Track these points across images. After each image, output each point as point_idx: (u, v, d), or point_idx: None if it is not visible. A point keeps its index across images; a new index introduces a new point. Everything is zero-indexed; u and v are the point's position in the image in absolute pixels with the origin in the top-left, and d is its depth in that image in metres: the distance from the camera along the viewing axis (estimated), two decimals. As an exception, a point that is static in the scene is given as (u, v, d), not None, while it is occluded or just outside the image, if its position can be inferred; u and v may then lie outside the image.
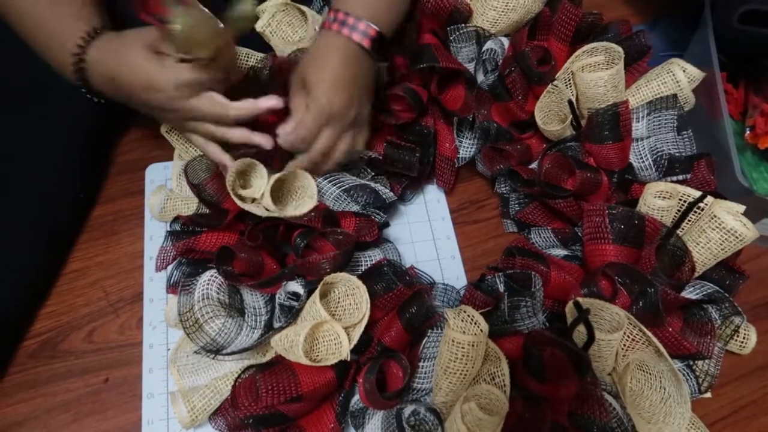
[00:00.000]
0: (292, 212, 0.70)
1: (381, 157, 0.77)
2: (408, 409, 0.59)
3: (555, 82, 0.75)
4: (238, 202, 0.68)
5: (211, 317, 0.65)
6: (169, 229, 0.74)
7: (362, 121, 0.71)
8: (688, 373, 0.64)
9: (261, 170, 0.70)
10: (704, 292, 0.66)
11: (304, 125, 0.67)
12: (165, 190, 0.78)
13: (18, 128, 0.76)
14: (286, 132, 0.68)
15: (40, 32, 0.65)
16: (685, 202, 0.66)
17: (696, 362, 0.64)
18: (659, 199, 0.66)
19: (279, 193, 0.72)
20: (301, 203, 0.72)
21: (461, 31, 0.79)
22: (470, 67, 0.81)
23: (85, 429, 0.70)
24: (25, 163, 0.75)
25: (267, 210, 0.69)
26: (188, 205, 0.75)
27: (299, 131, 0.67)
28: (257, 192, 0.69)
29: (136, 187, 0.86)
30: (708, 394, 0.69)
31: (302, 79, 0.67)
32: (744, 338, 0.70)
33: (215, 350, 0.64)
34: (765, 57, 0.85)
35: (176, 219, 0.73)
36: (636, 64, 0.76)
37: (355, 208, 0.74)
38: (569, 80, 0.75)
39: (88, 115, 0.79)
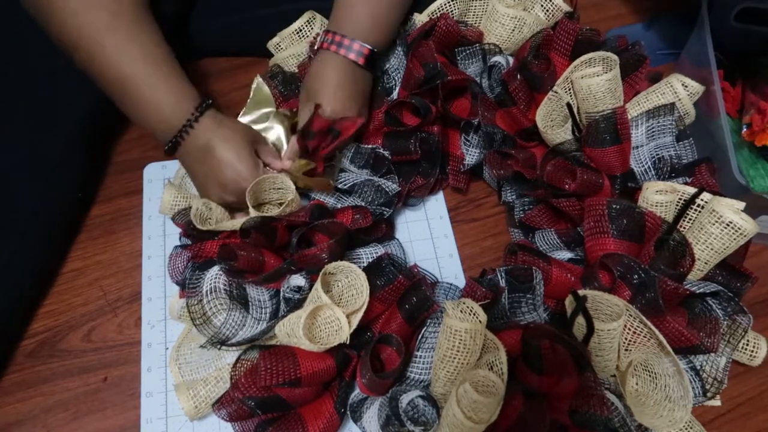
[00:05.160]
0: (281, 210, 0.71)
1: (386, 153, 0.80)
2: (405, 398, 0.60)
3: (555, 89, 0.75)
4: (216, 227, 0.71)
5: (219, 310, 0.66)
6: (178, 243, 0.75)
7: None
8: (693, 377, 0.64)
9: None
10: (708, 290, 0.66)
11: (304, 121, 0.74)
12: (175, 188, 0.79)
13: (15, 128, 0.76)
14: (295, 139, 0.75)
15: (140, 103, 0.70)
16: (683, 200, 0.67)
17: (703, 367, 0.64)
18: (658, 195, 0.66)
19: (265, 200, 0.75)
20: (282, 200, 0.74)
21: (468, 51, 0.82)
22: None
23: (84, 428, 0.70)
24: (23, 163, 0.75)
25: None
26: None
27: (301, 131, 0.74)
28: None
29: (135, 186, 0.86)
30: (717, 402, 0.69)
31: (307, 91, 0.75)
32: (754, 348, 0.70)
33: (221, 341, 0.65)
34: (762, 55, 0.85)
35: (182, 236, 0.75)
36: (634, 74, 0.77)
37: (361, 204, 0.76)
38: (569, 88, 0.76)
39: (86, 114, 0.80)
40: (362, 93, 0.76)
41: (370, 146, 0.80)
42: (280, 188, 0.73)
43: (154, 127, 0.71)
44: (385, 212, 0.76)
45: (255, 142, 0.74)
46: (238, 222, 0.69)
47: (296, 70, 0.85)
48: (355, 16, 0.74)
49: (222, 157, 0.70)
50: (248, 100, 0.82)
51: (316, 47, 0.76)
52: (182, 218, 0.73)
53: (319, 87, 0.73)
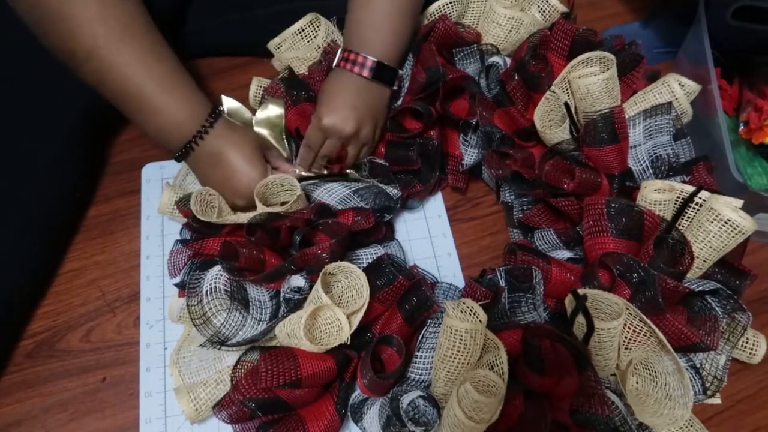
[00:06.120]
0: (284, 207, 0.71)
1: (383, 162, 0.81)
2: (406, 398, 0.60)
3: (552, 89, 0.76)
4: (221, 221, 0.71)
5: (219, 311, 0.66)
6: (179, 237, 0.75)
7: (366, 137, 0.77)
8: (693, 375, 0.64)
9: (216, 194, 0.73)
10: (707, 288, 0.66)
11: (307, 134, 0.77)
12: (175, 188, 0.79)
13: (13, 127, 0.76)
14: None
15: (154, 112, 0.69)
16: (682, 198, 0.67)
17: (703, 365, 0.64)
18: (657, 194, 0.67)
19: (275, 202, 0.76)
20: (289, 201, 0.73)
21: (465, 51, 0.83)
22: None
23: (83, 428, 0.70)
24: (21, 162, 0.75)
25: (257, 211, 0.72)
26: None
27: (305, 139, 0.77)
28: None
29: (133, 186, 0.86)
30: (717, 400, 0.68)
31: (317, 105, 0.77)
32: (754, 345, 0.70)
33: (220, 341, 0.65)
34: (759, 53, 0.85)
35: (184, 228, 0.75)
36: (631, 74, 0.77)
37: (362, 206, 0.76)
38: (566, 88, 0.76)
39: (84, 114, 0.79)
40: (368, 106, 0.76)
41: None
42: (287, 190, 0.73)
43: (167, 135, 0.71)
44: (385, 216, 0.76)
45: (263, 147, 0.76)
46: (243, 216, 0.69)
47: (306, 73, 0.85)
48: (363, 32, 0.75)
49: (235, 163, 0.72)
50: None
51: (333, 65, 0.77)
52: (186, 204, 0.73)
53: (320, 103, 0.76)
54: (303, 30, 0.85)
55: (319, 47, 0.85)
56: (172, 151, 0.73)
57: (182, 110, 0.70)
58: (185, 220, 0.75)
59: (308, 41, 0.86)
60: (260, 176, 0.72)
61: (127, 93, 0.68)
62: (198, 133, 0.70)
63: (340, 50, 0.76)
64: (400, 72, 0.78)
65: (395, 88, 0.78)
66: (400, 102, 0.82)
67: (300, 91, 0.81)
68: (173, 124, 0.70)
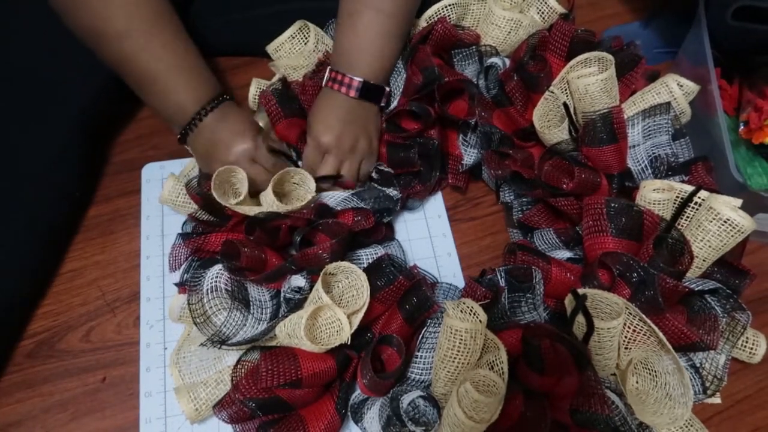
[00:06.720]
0: (292, 205, 0.71)
1: (390, 170, 0.82)
2: (406, 398, 0.60)
3: (551, 89, 0.76)
4: (235, 208, 0.71)
5: (219, 309, 0.67)
6: (181, 231, 0.75)
7: (363, 150, 0.79)
8: (693, 375, 0.64)
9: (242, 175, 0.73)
10: (707, 287, 0.66)
11: (305, 155, 0.80)
12: (178, 180, 0.79)
13: (13, 127, 0.76)
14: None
15: (170, 93, 0.74)
16: (681, 198, 0.67)
17: (703, 365, 0.64)
18: (656, 193, 0.67)
19: (279, 190, 0.76)
20: (301, 197, 0.74)
21: (464, 53, 0.83)
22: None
23: (83, 428, 0.70)
24: (21, 162, 0.75)
25: (270, 206, 0.72)
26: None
27: (304, 160, 0.80)
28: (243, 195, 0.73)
29: (133, 186, 0.86)
30: (717, 399, 0.68)
31: (309, 126, 0.79)
32: (753, 345, 0.70)
33: (221, 341, 0.65)
34: (759, 53, 0.85)
35: (187, 221, 0.76)
36: (630, 74, 0.77)
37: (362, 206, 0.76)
38: (565, 89, 0.76)
39: (84, 114, 0.79)
40: (357, 121, 0.78)
41: None
42: (296, 183, 0.75)
43: (178, 114, 0.75)
44: (385, 216, 0.77)
45: (265, 135, 0.78)
46: (254, 209, 0.70)
47: (300, 80, 0.85)
48: (350, 54, 0.77)
49: (225, 133, 0.75)
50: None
51: (323, 84, 0.78)
52: (197, 187, 0.74)
53: (313, 122, 0.78)
54: (294, 37, 0.86)
55: (311, 52, 0.86)
56: (159, 143, 0.78)
57: (196, 92, 0.74)
58: (186, 212, 0.76)
59: (301, 48, 0.86)
60: (248, 147, 0.75)
61: (148, 75, 0.72)
62: (202, 109, 0.74)
63: (328, 69, 0.78)
64: (387, 89, 0.79)
65: (382, 104, 0.80)
66: (394, 105, 0.82)
67: (291, 105, 0.82)
68: (187, 103, 0.74)
